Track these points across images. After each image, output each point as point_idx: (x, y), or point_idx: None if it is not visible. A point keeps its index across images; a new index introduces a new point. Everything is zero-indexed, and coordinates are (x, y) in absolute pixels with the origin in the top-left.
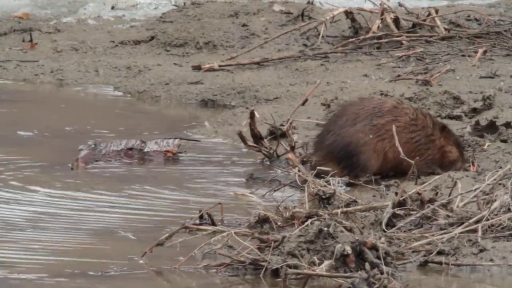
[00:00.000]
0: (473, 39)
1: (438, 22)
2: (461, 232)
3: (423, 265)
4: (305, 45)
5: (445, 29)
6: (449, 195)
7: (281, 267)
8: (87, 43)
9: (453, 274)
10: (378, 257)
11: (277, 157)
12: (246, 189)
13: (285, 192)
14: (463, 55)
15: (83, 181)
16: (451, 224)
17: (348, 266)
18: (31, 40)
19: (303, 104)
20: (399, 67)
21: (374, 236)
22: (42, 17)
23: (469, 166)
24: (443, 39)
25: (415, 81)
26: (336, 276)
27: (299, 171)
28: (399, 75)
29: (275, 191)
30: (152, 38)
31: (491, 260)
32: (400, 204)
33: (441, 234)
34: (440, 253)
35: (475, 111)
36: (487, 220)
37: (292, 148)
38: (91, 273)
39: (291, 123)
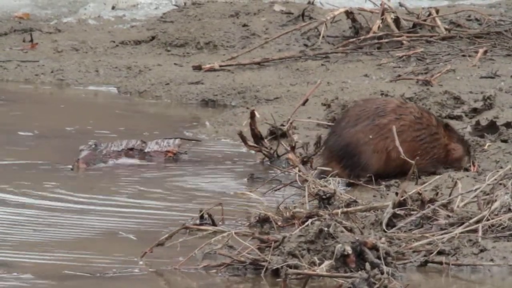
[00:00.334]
0: (474, 39)
1: (439, 22)
2: (462, 232)
3: (424, 265)
4: (305, 45)
5: (446, 29)
6: (450, 195)
7: (282, 267)
8: (87, 43)
9: (453, 274)
10: (378, 257)
11: (278, 157)
12: (246, 189)
13: (285, 192)
14: (463, 55)
15: (83, 182)
16: (452, 224)
17: (349, 266)
18: (31, 40)
19: (303, 104)
20: (399, 67)
21: (374, 236)
22: (42, 17)
23: (470, 166)
24: (443, 39)
25: (416, 81)
26: (336, 276)
27: (299, 171)
28: (399, 75)
29: (275, 190)
30: (153, 38)
31: (492, 260)
32: (401, 204)
33: (442, 234)
34: (440, 253)
35: (475, 111)
36: (488, 220)
37: (293, 148)
38: (91, 273)
39: (291, 123)
